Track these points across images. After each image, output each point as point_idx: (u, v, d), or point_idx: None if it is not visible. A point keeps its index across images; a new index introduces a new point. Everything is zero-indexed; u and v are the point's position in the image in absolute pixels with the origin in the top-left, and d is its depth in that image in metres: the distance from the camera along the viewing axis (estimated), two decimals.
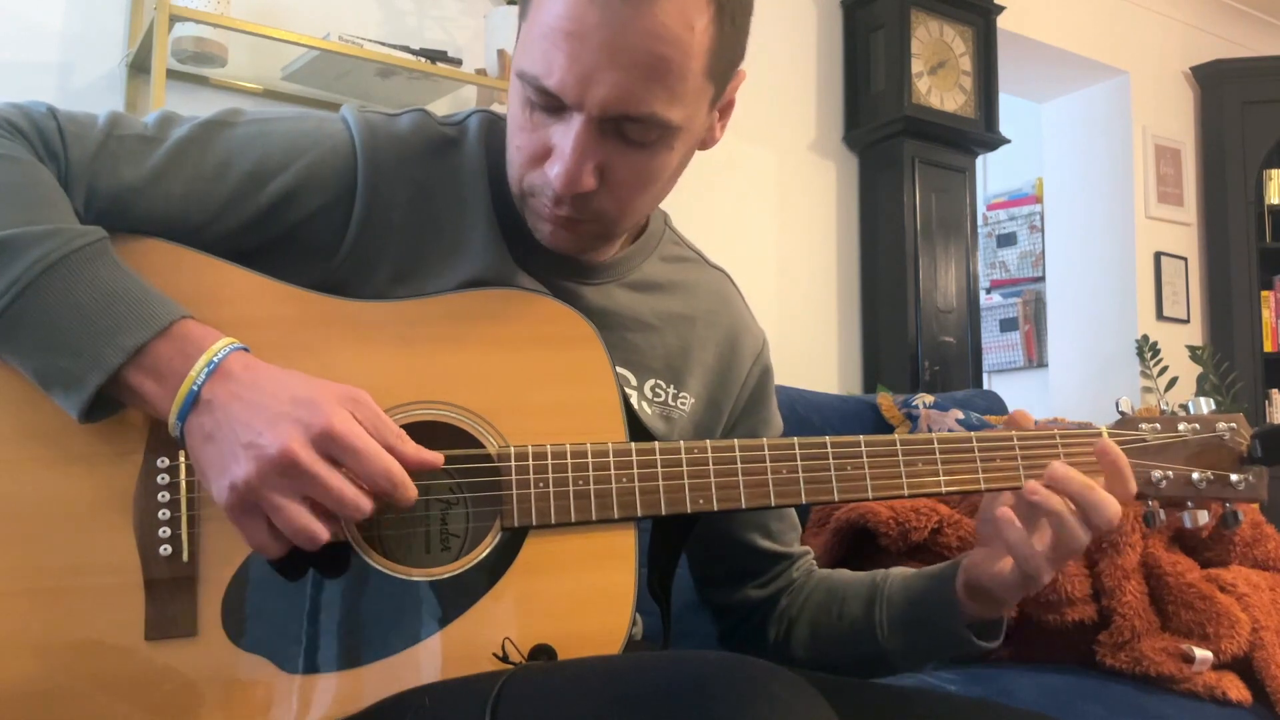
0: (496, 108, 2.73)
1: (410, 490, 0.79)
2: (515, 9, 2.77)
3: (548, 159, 0.87)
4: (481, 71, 2.64)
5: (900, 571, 1.08)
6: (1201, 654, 1.51)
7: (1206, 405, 1.00)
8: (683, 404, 1.04)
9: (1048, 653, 1.63)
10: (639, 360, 1.01)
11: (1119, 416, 1.00)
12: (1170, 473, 0.97)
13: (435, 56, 2.50)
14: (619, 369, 0.98)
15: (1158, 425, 0.98)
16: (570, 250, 0.94)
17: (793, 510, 1.15)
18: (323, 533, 0.78)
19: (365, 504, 0.78)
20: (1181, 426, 0.98)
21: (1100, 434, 0.98)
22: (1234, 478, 0.97)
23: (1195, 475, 0.97)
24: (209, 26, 2.28)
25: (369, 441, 0.78)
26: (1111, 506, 0.90)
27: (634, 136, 0.86)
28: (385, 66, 2.43)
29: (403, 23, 2.75)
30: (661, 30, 0.81)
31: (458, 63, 2.57)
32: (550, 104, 0.85)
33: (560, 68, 0.82)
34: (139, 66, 2.37)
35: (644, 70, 0.82)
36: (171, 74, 2.31)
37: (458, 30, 2.83)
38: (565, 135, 0.85)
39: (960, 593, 0.98)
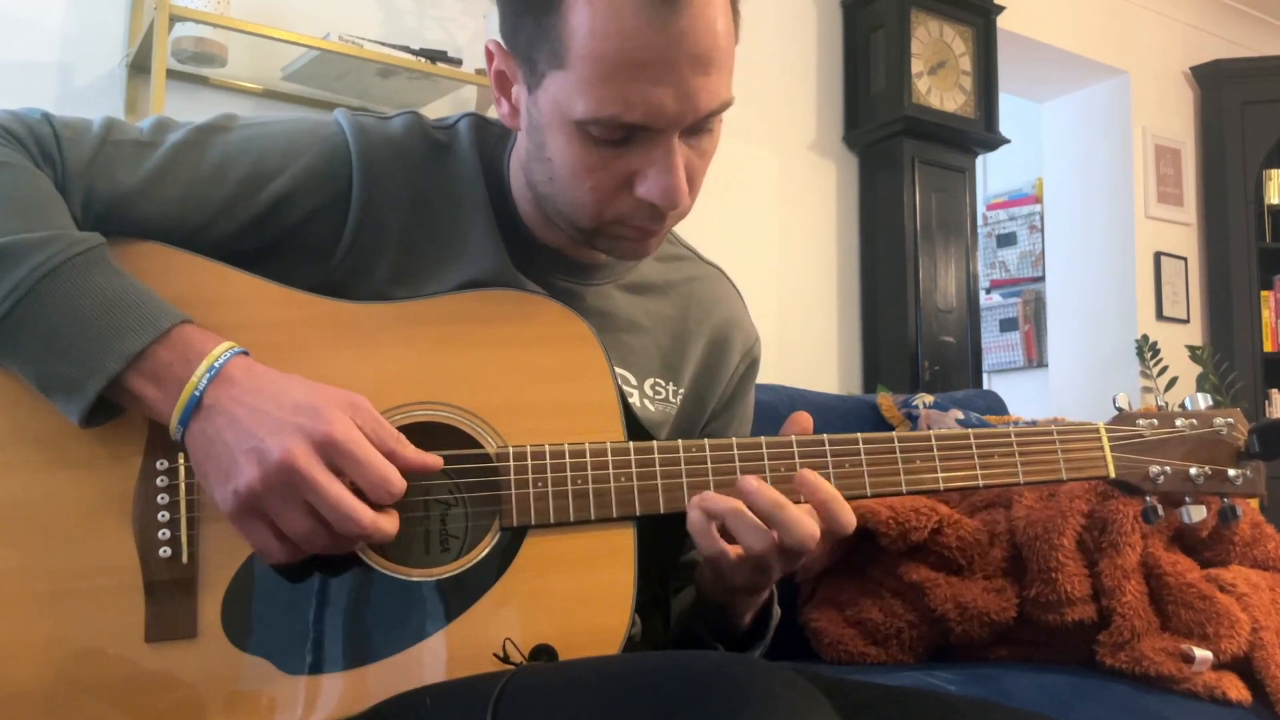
0: (495, 109, 2.73)
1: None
2: None
3: (632, 183, 0.87)
4: (481, 71, 2.64)
5: None
6: (1201, 654, 1.51)
7: (1204, 401, 1.00)
8: (679, 398, 1.04)
9: (1048, 653, 1.63)
10: (636, 361, 1.02)
11: (1116, 413, 1.00)
12: (1168, 468, 0.97)
13: (435, 56, 2.50)
14: (619, 370, 0.99)
15: (1155, 421, 0.99)
16: (646, 255, 0.95)
17: None
18: (326, 537, 0.78)
19: (363, 515, 0.78)
20: (1179, 422, 0.99)
21: (1098, 430, 0.98)
22: (1232, 473, 0.98)
23: (1193, 470, 0.97)
24: (209, 26, 2.28)
25: (369, 450, 0.78)
26: (801, 527, 0.84)
27: (705, 126, 0.87)
28: (385, 67, 2.44)
29: (403, 23, 2.75)
30: (714, 19, 0.82)
31: (458, 63, 2.57)
32: (628, 134, 0.84)
33: (649, 98, 0.81)
34: (139, 66, 2.36)
35: (717, 63, 0.83)
36: (171, 74, 2.31)
37: (458, 30, 2.83)
38: (656, 154, 0.85)
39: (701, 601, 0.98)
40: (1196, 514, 0.97)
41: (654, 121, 0.83)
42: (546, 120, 0.86)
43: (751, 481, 0.87)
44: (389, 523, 0.80)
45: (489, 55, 0.90)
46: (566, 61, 0.82)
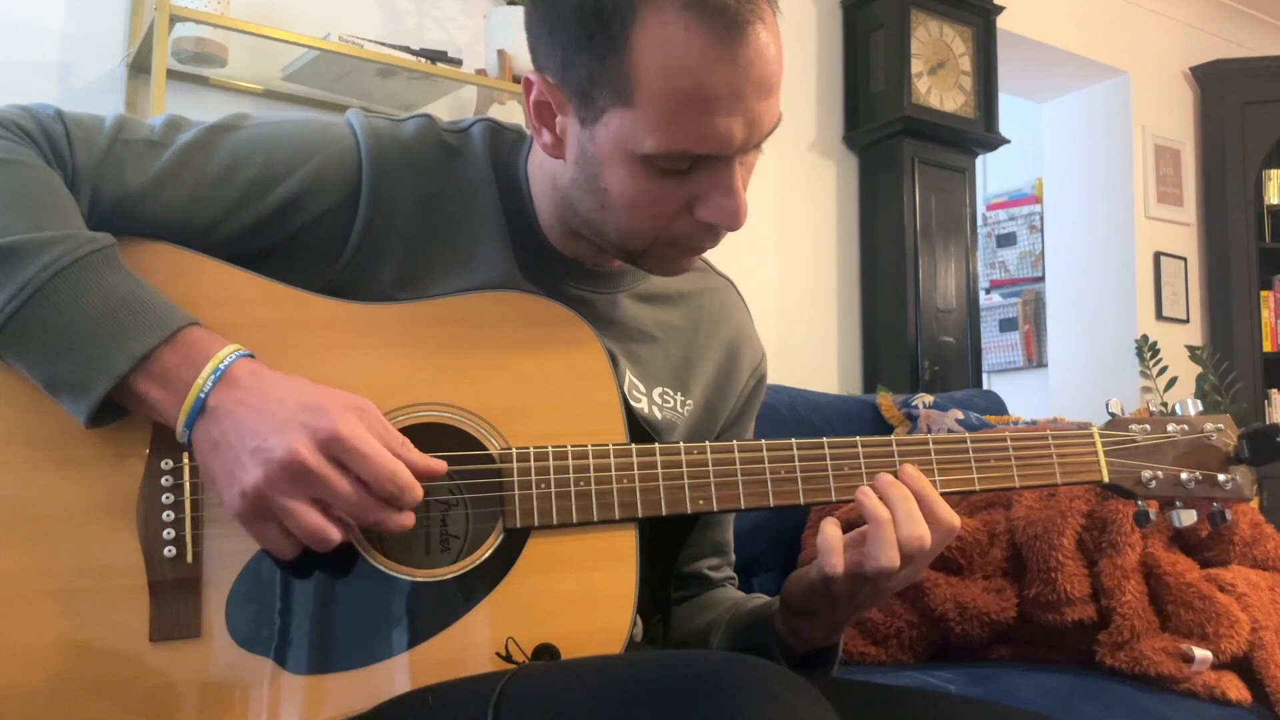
0: (496, 109, 2.74)
1: (417, 492, 0.80)
2: (516, 10, 2.73)
3: (692, 207, 0.88)
4: (481, 72, 2.64)
5: (760, 598, 1.07)
6: (1201, 654, 1.51)
7: (1194, 407, 1.02)
8: (686, 409, 1.04)
9: (1048, 653, 1.64)
10: (645, 370, 1.02)
11: (1110, 418, 1.01)
12: (1160, 473, 0.98)
13: (435, 57, 2.50)
14: (629, 377, 0.99)
15: (1147, 426, 1.00)
16: (689, 270, 0.97)
17: (731, 548, 1.16)
18: (335, 533, 0.79)
19: (374, 507, 0.78)
20: (1170, 427, 1.00)
21: (1092, 434, 0.98)
22: (1221, 478, 0.99)
23: (1184, 475, 0.98)
24: (209, 26, 2.28)
25: (375, 445, 0.78)
26: (916, 524, 0.87)
27: (759, 144, 0.88)
28: (385, 67, 2.44)
29: (403, 23, 2.75)
30: (771, 43, 0.84)
31: (458, 63, 2.57)
32: (692, 164, 0.85)
33: (720, 130, 0.83)
34: (139, 67, 2.37)
35: (776, 86, 0.85)
36: (172, 74, 2.31)
37: (458, 30, 2.84)
38: (718, 179, 0.86)
39: (779, 620, 0.98)
40: (1187, 518, 0.99)
41: (723, 151, 0.84)
42: (606, 154, 0.86)
43: (910, 467, 0.91)
44: (404, 515, 0.81)
45: (527, 85, 0.90)
46: (634, 100, 0.83)
